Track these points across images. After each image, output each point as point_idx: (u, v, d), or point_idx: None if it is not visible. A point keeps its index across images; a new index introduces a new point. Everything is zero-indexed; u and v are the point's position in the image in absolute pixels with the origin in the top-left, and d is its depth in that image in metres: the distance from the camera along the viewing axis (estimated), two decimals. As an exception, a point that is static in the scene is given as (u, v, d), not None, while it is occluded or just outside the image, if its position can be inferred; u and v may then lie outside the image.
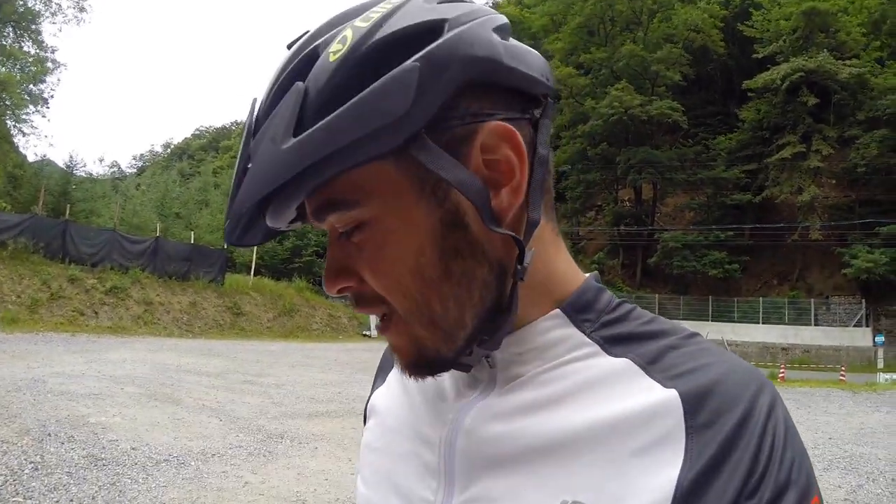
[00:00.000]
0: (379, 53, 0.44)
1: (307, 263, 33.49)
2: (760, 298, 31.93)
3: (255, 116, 0.48)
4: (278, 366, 13.97)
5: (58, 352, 12.06)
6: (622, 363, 0.51)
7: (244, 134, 0.48)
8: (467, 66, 0.45)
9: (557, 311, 0.54)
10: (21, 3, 27.34)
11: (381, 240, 0.49)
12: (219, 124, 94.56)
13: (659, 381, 0.49)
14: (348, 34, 0.46)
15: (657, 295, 34.63)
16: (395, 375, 0.68)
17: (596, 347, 0.53)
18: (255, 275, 27.31)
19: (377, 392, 0.70)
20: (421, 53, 0.44)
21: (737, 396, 0.46)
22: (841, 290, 31.28)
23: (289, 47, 0.50)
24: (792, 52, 33.24)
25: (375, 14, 0.46)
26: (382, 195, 0.48)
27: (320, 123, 0.43)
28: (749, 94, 35.39)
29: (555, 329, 0.54)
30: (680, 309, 33.02)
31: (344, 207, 0.48)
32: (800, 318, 29.93)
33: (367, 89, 0.43)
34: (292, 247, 33.94)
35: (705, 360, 0.49)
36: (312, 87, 0.45)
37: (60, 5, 28.81)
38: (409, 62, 0.43)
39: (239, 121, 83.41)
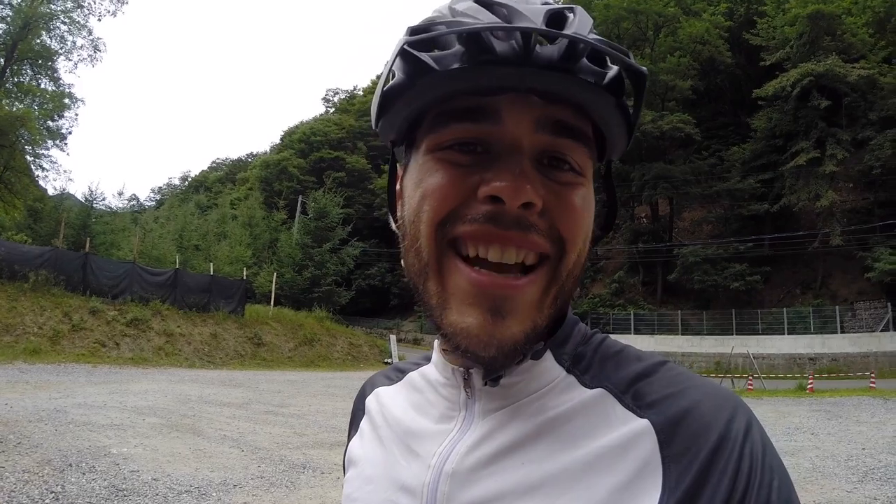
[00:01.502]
0: None
1: (326, 293, 33.64)
2: (784, 309, 31.15)
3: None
4: (300, 395, 13.90)
5: (79, 383, 12.13)
6: (597, 393, 0.52)
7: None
8: None
9: (539, 343, 0.55)
10: (38, 41, 28.03)
11: (586, 194, 0.53)
12: (235, 156, 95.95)
13: (632, 411, 0.50)
14: None
15: (679, 311, 34.04)
16: (366, 423, 0.69)
17: (572, 378, 0.55)
18: (274, 305, 27.40)
19: (352, 442, 0.71)
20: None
21: (710, 422, 0.47)
22: (866, 294, 30.51)
23: None
24: (799, 57, 32.96)
25: None
26: (589, 165, 0.54)
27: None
28: (759, 102, 35.07)
29: (534, 362, 0.55)
30: (703, 324, 32.45)
31: (584, 142, 0.52)
32: (826, 327, 29.19)
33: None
34: (311, 276, 34.12)
35: (677, 388, 0.50)
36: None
37: (76, 43, 29.45)
38: None
39: (255, 153, 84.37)
